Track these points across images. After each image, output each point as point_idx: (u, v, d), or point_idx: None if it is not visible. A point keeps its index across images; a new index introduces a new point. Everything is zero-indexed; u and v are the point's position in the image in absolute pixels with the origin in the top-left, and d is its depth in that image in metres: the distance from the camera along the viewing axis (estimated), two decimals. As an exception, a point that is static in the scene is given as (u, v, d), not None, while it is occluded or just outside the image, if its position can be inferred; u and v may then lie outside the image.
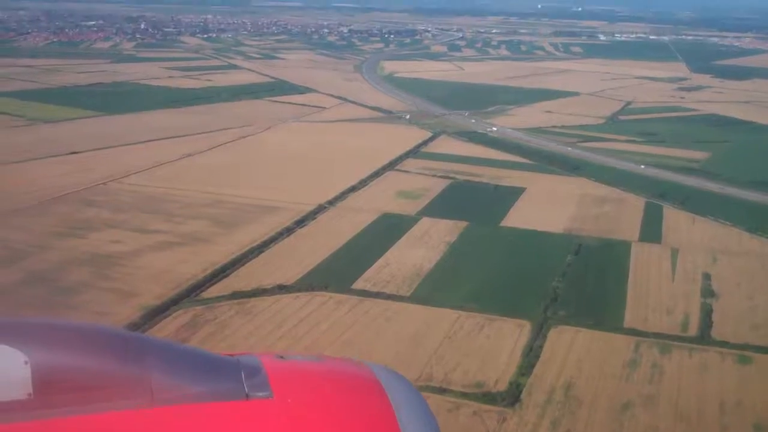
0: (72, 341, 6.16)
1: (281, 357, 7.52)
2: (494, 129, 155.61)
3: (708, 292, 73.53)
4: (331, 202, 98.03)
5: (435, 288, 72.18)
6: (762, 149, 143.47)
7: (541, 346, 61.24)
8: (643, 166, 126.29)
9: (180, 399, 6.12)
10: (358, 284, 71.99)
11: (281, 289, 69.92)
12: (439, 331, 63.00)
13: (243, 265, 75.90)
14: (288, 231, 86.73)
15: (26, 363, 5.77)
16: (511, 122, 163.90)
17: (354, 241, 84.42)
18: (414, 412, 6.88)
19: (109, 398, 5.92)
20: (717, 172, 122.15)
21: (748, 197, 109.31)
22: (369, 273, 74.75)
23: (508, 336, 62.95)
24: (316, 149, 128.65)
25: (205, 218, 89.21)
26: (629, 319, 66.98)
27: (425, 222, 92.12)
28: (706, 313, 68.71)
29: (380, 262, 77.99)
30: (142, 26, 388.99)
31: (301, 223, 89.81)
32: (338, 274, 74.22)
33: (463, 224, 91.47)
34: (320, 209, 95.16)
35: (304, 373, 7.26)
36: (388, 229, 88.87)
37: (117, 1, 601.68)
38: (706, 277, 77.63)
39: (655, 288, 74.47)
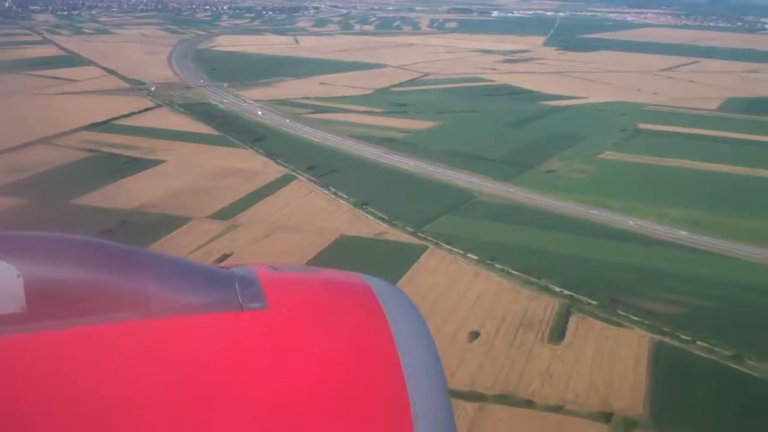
0: (65, 254, 5.47)
1: (274, 268, 6.61)
2: (227, 101, 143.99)
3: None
4: None
5: None
6: (498, 118, 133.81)
7: None
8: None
9: (175, 310, 5.54)
10: None
11: None
12: None
13: None
14: None
15: (19, 276, 5.23)
16: (262, 94, 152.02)
17: None
18: (409, 324, 6.06)
19: (103, 310, 5.28)
20: (416, 143, 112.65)
21: (414, 169, 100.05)
22: None
23: None
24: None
25: None
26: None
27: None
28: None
29: None
30: (7, 5, 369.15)
31: None
32: None
33: (21, 202, 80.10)
34: None
35: (298, 283, 6.55)
36: None
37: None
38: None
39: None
